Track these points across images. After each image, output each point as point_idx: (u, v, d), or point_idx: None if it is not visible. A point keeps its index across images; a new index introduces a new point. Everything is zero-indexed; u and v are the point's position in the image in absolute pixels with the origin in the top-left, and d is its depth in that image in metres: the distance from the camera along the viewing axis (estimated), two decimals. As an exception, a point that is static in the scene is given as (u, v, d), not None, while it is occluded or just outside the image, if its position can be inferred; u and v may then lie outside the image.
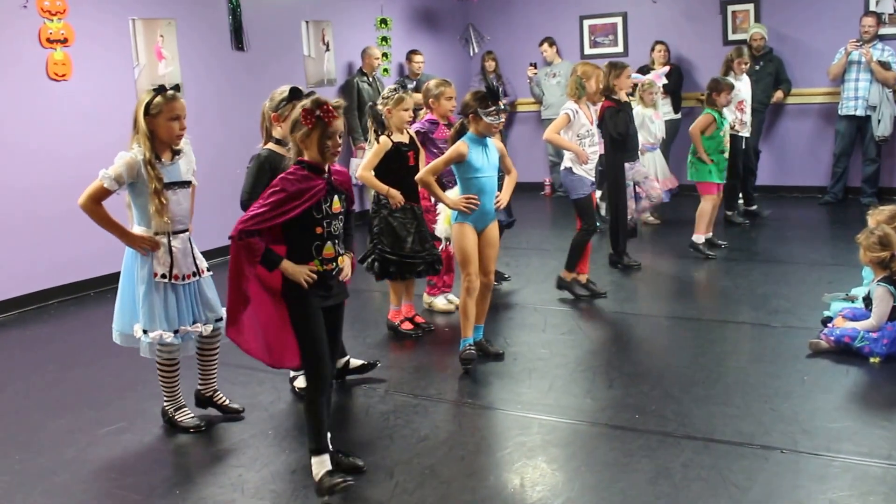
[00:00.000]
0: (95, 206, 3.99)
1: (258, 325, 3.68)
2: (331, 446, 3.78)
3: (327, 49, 9.75)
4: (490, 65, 11.28)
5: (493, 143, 4.94)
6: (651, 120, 8.27)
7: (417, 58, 10.23)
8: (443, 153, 5.12)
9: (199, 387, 4.48)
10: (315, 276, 3.58)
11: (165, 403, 4.36)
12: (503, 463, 3.82)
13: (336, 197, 3.63)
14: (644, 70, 9.91)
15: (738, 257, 7.35)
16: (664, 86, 9.75)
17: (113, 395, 4.87)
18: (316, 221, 3.58)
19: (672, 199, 8.80)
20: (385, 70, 10.44)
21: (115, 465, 4.03)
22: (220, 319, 4.25)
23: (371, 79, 9.62)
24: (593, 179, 6.23)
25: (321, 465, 3.64)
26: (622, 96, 6.76)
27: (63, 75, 7.00)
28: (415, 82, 9.93)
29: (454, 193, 5.02)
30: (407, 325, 5.73)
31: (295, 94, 3.86)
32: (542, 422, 4.25)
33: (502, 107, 4.78)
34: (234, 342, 3.70)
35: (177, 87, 4.08)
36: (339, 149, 3.58)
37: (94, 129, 7.15)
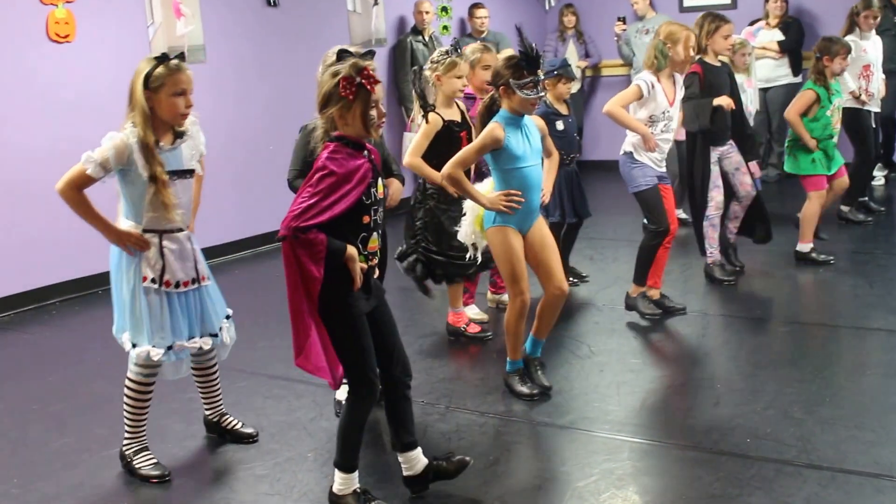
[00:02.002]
0: (76, 193, 3.95)
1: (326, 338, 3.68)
2: (423, 460, 3.86)
3: (376, 3, 9.81)
4: (570, 20, 11.25)
5: (532, 121, 4.70)
6: (742, 88, 7.79)
7: (480, 12, 10.24)
8: None
9: (205, 412, 4.54)
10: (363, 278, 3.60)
11: (125, 442, 4.22)
12: (587, 494, 3.80)
13: (379, 179, 3.66)
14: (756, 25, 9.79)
15: (870, 251, 7.20)
16: (780, 43, 9.63)
17: (126, 410, 4.96)
18: (364, 209, 3.58)
19: (778, 185, 8.56)
20: (445, 27, 10.47)
21: (128, 492, 4.10)
22: (216, 336, 4.24)
23: (427, 38, 9.66)
24: (662, 171, 5.82)
25: (349, 482, 3.70)
26: (714, 58, 6.36)
27: (66, 36, 7.16)
28: (478, 42, 9.94)
29: (486, 189, 4.81)
30: (474, 328, 5.77)
31: (343, 57, 3.86)
32: (634, 445, 4.23)
33: (542, 77, 4.50)
34: (309, 371, 3.66)
35: (181, 56, 4.02)
36: (384, 119, 3.60)
37: (100, 99, 7.28)
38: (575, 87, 11.18)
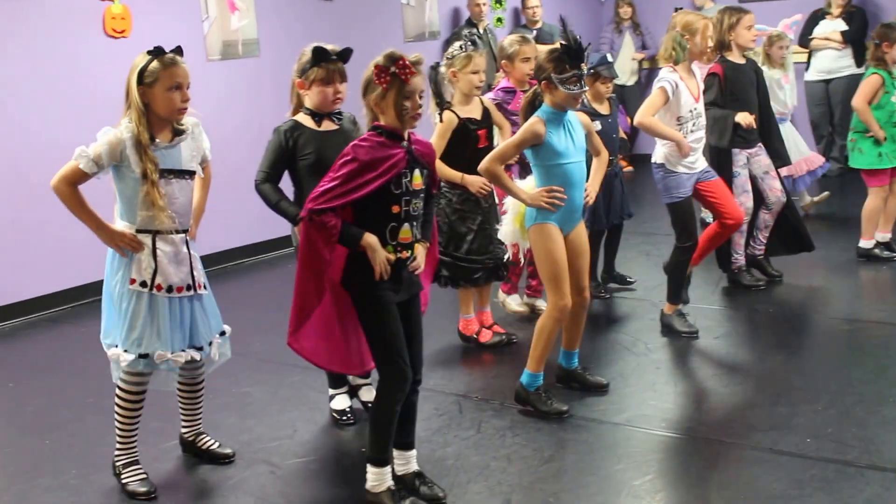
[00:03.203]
0: (69, 189, 3.86)
1: (330, 324, 3.70)
2: (415, 466, 3.87)
3: (429, -5, 9.85)
4: (626, 11, 11.19)
5: (576, 117, 4.56)
6: (780, 84, 7.64)
7: (532, 2, 10.20)
8: None
9: (182, 430, 4.40)
10: (390, 269, 3.61)
11: (116, 453, 4.14)
12: (642, 492, 3.80)
13: (417, 171, 3.66)
14: (819, 15, 9.63)
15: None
16: (843, 34, 9.48)
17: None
18: (393, 198, 3.61)
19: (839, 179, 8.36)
20: (498, 19, 10.46)
21: (182, 485, 4.19)
22: (201, 349, 4.10)
23: (482, 31, 9.66)
24: (698, 170, 5.46)
25: (382, 478, 3.71)
26: (738, 55, 6.07)
27: (122, 31, 7.26)
28: (534, 32, 9.93)
29: (527, 186, 4.67)
30: (487, 335, 5.59)
31: (320, 56, 3.88)
32: (691, 444, 4.22)
33: (585, 71, 4.35)
34: (298, 352, 3.75)
35: (178, 50, 3.92)
36: (420, 111, 3.61)
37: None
38: (632, 79, 11.17)
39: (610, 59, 6.19)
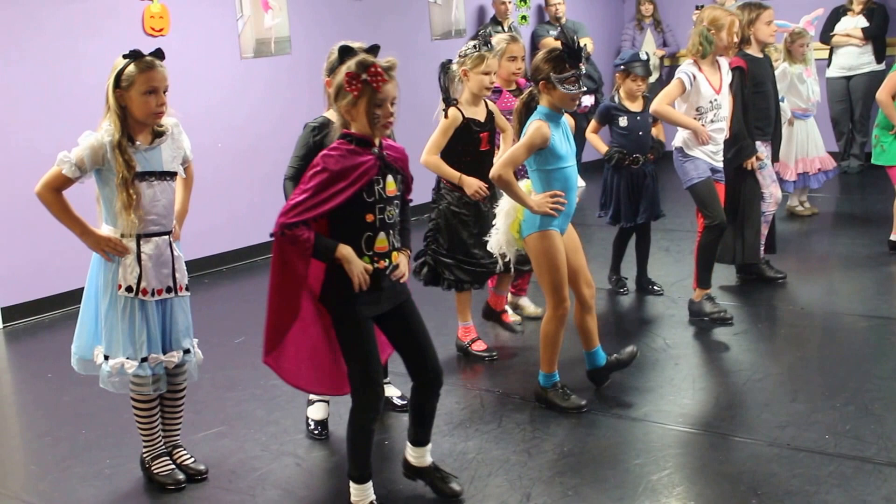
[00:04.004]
0: (53, 195, 3.77)
1: (309, 344, 3.61)
2: (430, 459, 3.80)
3: (456, -6, 9.79)
4: (647, 9, 11.08)
5: (566, 119, 4.46)
6: (801, 79, 7.53)
7: None
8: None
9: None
10: (369, 280, 3.47)
11: (144, 450, 4.10)
12: (661, 487, 3.75)
13: (391, 177, 3.53)
14: (840, 12, 9.49)
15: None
16: (864, 30, 9.33)
17: (210, 395, 5.02)
18: (366, 207, 3.46)
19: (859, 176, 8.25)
20: (523, 17, 10.38)
21: (210, 476, 4.14)
22: (188, 352, 4.02)
23: (507, 28, 9.58)
24: (717, 165, 5.45)
25: (364, 493, 3.62)
26: (756, 49, 5.93)
27: (160, 30, 7.25)
28: (558, 29, 9.83)
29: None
30: (479, 346, 5.32)
31: (346, 54, 3.80)
32: (709, 440, 4.15)
33: (584, 70, 4.25)
34: (276, 371, 3.67)
35: (158, 53, 3.86)
36: (392, 119, 3.47)
37: (192, 92, 7.35)
38: (653, 76, 11.04)
39: (644, 56, 6.07)
